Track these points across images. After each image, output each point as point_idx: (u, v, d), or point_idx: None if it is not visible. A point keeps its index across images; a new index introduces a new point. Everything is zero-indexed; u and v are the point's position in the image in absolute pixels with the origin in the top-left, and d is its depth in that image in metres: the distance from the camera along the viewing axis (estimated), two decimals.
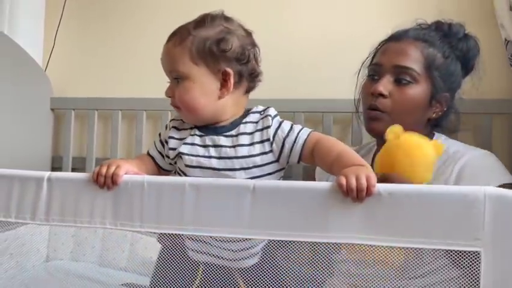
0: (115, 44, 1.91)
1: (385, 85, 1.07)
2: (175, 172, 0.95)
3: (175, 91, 0.89)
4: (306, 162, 0.89)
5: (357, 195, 0.67)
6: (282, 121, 0.90)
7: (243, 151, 0.87)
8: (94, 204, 0.78)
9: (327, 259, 0.86)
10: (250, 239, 0.81)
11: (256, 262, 0.84)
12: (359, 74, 1.23)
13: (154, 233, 0.81)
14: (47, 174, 0.80)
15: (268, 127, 0.88)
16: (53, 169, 1.87)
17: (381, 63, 1.11)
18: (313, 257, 0.85)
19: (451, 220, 0.65)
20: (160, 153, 0.97)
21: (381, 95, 1.07)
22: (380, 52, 1.15)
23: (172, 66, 0.88)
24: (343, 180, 0.68)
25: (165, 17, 1.87)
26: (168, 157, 0.94)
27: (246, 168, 0.86)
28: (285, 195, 0.72)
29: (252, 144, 0.87)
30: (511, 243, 0.63)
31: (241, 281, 0.82)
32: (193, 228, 0.75)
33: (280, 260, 0.80)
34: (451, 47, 1.13)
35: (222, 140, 0.88)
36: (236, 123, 0.90)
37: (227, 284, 0.82)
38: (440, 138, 1.12)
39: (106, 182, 0.77)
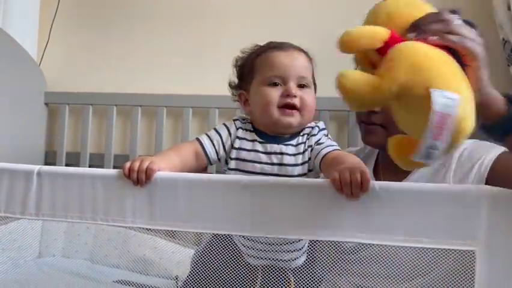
0: (110, 39, 1.90)
1: None
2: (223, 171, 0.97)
3: (300, 93, 0.92)
4: (325, 175, 0.90)
5: (351, 191, 0.66)
6: (325, 134, 0.95)
7: (302, 158, 0.92)
8: (84, 199, 0.77)
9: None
10: (300, 240, 0.86)
11: (305, 260, 0.90)
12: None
13: (148, 229, 0.80)
14: (37, 168, 0.79)
15: (313, 135, 0.93)
16: (47, 164, 1.85)
17: None
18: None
19: (447, 219, 0.64)
20: (212, 142, 0.95)
21: (373, 111, 1.04)
22: None
23: (305, 73, 0.94)
24: (336, 176, 0.67)
25: (160, 13, 1.86)
26: (223, 151, 0.95)
27: (302, 174, 0.91)
28: (279, 192, 0.71)
29: (304, 151, 0.92)
30: (506, 243, 0.63)
31: (292, 279, 0.87)
32: (187, 225, 0.74)
33: (322, 257, 0.84)
34: None
35: (283, 149, 0.92)
36: (294, 135, 0.94)
37: (282, 284, 0.86)
38: None
39: (139, 177, 0.76)
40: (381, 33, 0.67)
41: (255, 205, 0.72)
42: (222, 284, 0.83)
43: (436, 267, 0.79)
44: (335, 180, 0.67)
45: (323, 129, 0.95)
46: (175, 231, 0.80)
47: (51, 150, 1.89)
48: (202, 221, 0.74)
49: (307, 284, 0.82)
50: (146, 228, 0.78)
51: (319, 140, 0.92)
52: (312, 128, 0.94)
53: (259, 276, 0.88)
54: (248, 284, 0.84)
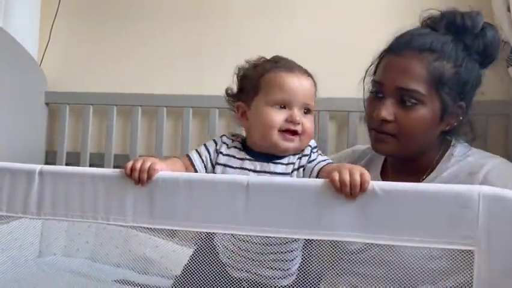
0: (111, 38, 1.90)
1: (388, 109, 0.97)
2: None
3: (303, 120, 0.93)
4: None
5: (350, 191, 0.66)
6: (316, 151, 0.95)
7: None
8: (86, 198, 0.78)
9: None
10: (286, 258, 0.86)
11: (291, 283, 0.88)
12: (364, 80, 1.11)
13: (148, 228, 0.80)
14: (38, 167, 0.80)
15: (305, 155, 0.93)
16: (47, 164, 1.85)
17: (383, 83, 1.00)
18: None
19: (445, 219, 0.65)
20: (201, 158, 0.97)
21: (385, 120, 0.98)
22: (382, 68, 1.03)
23: (310, 100, 0.94)
24: (336, 176, 0.67)
25: (161, 13, 1.86)
26: (211, 166, 0.96)
27: None
28: (278, 192, 0.71)
29: (293, 171, 0.92)
30: (504, 243, 0.63)
31: None
32: (187, 224, 0.75)
33: (314, 280, 0.82)
34: (465, 48, 0.99)
35: (272, 167, 0.92)
36: (285, 154, 0.94)
37: None
38: (459, 147, 1.03)
39: (141, 176, 0.77)
40: None
41: (255, 205, 0.72)
42: None
43: (440, 280, 0.79)
44: (334, 180, 0.67)
45: (315, 147, 0.95)
46: (175, 230, 0.81)
47: (51, 150, 1.89)
48: (203, 220, 0.74)
49: None
50: (147, 228, 0.79)
51: (310, 157, 0.93)
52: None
53: None
54: None
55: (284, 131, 0.90)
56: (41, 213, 0.80)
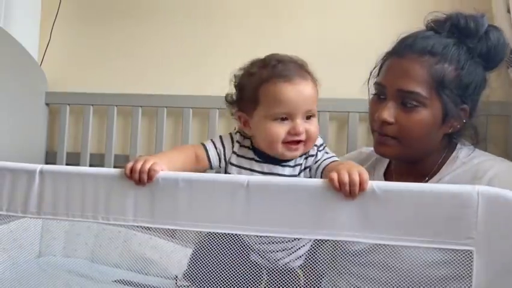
0: (112, 39, 1.91)
1: (390, 111, 0.98)
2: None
3: (307, 127, 0.91)
4: None
5: (349, 191, 0.67)
6: (322, 149, 0.95)
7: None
8: (86, 198, 0.78)
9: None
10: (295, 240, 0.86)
11: (301, 264, 0.89)
12: (368, 83, 1.12)
13: (149, 228, 0.80)
14: (39, 166, 0.80)
15: (311, 155, 0.93)
16: (48, 164, 1.86)
17: (385, 85, 1.01)
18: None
19: (444, 219, 0.65)
20: (216, 150, 0.96)
21: (387, 122, 0.99)
22: (384, 70, 1.04)
23: (312, 105, 0.92)
24: (335, 175, 0.68)
25: (161, 14, 1.86)
26: (224, 162, 0.96)
27: None
28: (278, 192, 0.71)
29: (300, 173, 0.93)
30: (504, 242, 0.63)
31: (302, 274, 0.87)
32: (188, 224, 0.75)
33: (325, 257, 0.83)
34: (468, 51, 0.98)
35: (280, 170, 0.92)
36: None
37: (290, 282, 0.84)
38: (464, 150, 1.03)
39: (141, 177, 0.76)
40: None
41: (256, 205, 0.72)
42: (224, 276, 0.82)
43: (440, 286, 0.79)
44: (333, 180, 0.67)
45: (321, 145, 0.95)
46: (175, 230, 0.81)
47: (52, 150, 1.90)
48: (203, 220, 0.75)
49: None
50: (147, 228, 0.79)
51: (316, 157, 0.93)
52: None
53: (264, 274, 0.85)
54: (253, 282, 0.82)
55: (288, 142, 0.90)
56: (41, 213, 0.80)
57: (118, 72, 1.88)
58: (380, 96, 1.02)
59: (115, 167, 1.74)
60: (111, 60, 1.90)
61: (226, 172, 0.96)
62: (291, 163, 0.93)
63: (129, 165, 0.78)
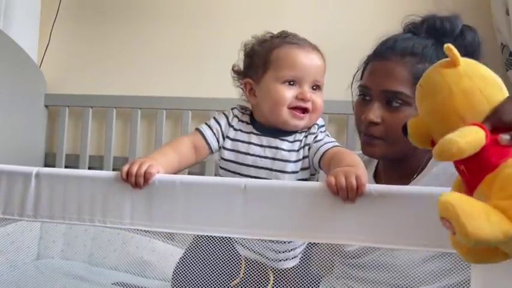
0: (111, 41, 1.91)
1: (375, 112, 1.00)
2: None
3: (313, 97, 0.91)
4: (326, 173, 0.89)
5: (347, 195, 0.66)
6: (324, 131, 0.94)
7: (296, 155, 0.91)
8: (83, 201, 0.77)
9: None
10: (292, 241, 0.86)
11: (295, 265, 0.89)
12: (352, 87, 1.15)
13: (147, 231, 0.80)
14: (35, 169, 0.79)
15: (311, 133, 0.92)
16: (46, 166, 1.86)
17: (370, 87, 1.03)
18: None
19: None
20: (212, 131, 0.96)
21: (373, 122, 1.01)
22: (367, 72, 1.06)
23: (320, 77, 0.93)
24: (332, 180, 0.67)
25: (160, 16, 1.86)
26: (223, 140, 0.95)
27: (295, 171, 0.90)
28: (276, 195, 0.71)
29: (299, 149, 0.91)
30: None
31: (272, 277, 0.88)
32: (185, 227, 0.75)
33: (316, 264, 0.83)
34: None
35: (279, 143, 0.91)
36: (293, 131, 0.93)
37: (261, 282, 0.86)
38: None
39: (137, 181, 0.76)
40: (482, 137, 0.55)
41: (253, 208, 0.72)
42: (207, 269, 0.84)
43: (437, 279, 0.79)
44: (331, 185, 0.67)
45: (322, 126, 0.94)
46: (173, 233, 0.80)
47: (51, 152, 1.90)
48: (200, 223, 0.74)
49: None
50: (145, 230, 0.79)
51: (317, 137, 0.91)
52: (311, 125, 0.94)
53: (242, 266, 0.87)
54: (231, 273, 0.84)
55: (294, 108, 0.89)
56: (38, 216, 0.79)
57: (117, 74, 1.88)
58: (365, 98, 1.04)
59: (114, 169, 1.74)
60: (110, 62, 1.90)
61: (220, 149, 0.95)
62: (290, 138, 0.91)
63: (125, 168, 0.77)
